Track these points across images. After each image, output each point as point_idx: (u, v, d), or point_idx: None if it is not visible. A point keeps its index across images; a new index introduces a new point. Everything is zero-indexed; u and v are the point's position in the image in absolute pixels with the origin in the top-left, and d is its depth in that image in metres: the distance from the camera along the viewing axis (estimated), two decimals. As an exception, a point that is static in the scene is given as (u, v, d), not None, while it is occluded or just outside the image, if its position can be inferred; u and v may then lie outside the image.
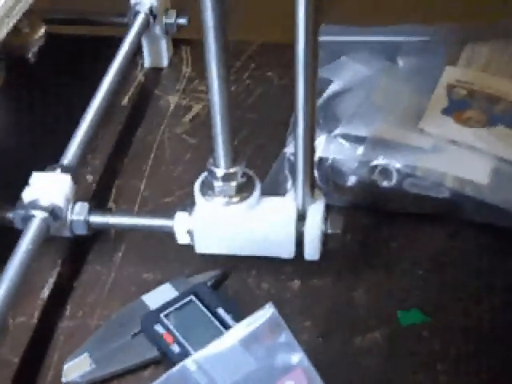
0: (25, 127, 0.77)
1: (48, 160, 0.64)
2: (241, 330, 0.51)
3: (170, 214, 0.60)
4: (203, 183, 0.59)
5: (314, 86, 0.53)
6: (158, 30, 0.84)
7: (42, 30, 0.75)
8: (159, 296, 0.59)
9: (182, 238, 0.59)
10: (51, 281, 0.63)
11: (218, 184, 0.58)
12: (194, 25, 0.86)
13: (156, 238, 0.65)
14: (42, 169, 0.62)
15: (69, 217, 0.59)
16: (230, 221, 0.58)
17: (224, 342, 0.51)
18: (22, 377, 0.56)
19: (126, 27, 0.82)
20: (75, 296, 0.62)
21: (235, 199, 0.58)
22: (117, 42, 0.78)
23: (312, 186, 0.57)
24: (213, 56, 0.52)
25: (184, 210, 0.59)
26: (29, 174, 0.61)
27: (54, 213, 0.58)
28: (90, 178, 0.72)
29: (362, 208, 0.65)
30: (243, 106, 0.80)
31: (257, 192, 0.58)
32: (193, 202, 0.59)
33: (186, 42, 0.90)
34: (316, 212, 0.57)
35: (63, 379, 0.54)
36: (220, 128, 0.55)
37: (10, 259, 0.54)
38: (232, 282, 0.62)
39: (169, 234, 0.61)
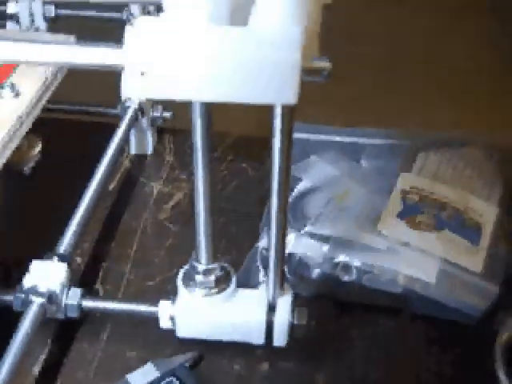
0: (20, 211, 0.84)
1: (44, 244, 0.71)
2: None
3: (154, 302, 0.67)
4: (185, 275, 0.67)
5: (287, 187, 0.60)
6: (144, 122, 0.92)
7: (39, 147, 0.83)
8: (142, 375, 0.65)
9: (165, 323, 0.67)
10: (42, 357, 0.69)
11: (198, 277, 0.65)
12: (177, 115, 0.95)
13: (139, 319, 0.72)
14: (38, 253, 0.69)
15: (63, 301, 0.66)
16: (209, 310, 0.66)
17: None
18: None
19: (115, 116, 0.90)
20: (65, 372, 0.68)
21: (213, 291, 0.65)
22: (104, 128, 0.86)
23: (282, 279, 0.65)
24: (199, 156, 0.59)
25: (167, 298, 0.67)
26: (25, 257, 0.68)
27: (50, 298, 0.65)
28: (79, 259, 0.79)
29: (326, 298, 0.73)
30: (220, 196, 0.88)
31: (233, 284, 0.66)
32: (175, 291, 0.67)
33: (170, 132, 0.99)
34: (285, 304, 0.65)
35: None
36: (203, 229, 0.63)
37: (11, 342, 0.61)
38: (207, 363, 0.69)
39: (151, 318, 0.68)
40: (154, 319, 0.68)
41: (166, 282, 0.76)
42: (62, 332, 0.72)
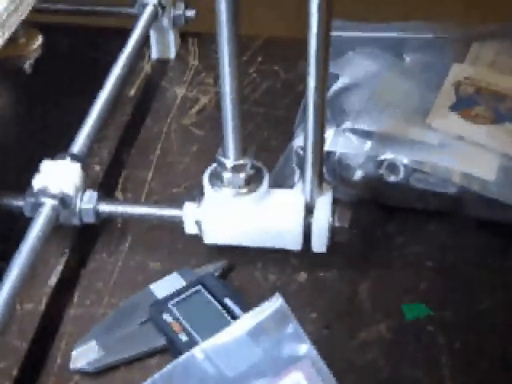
0: (34, 116, 0.77)
1: (56, 148, 0.65)
2: (248, 320, 0.51)
3: (178, 204, 0.60)
4: (212, 174, 0.59)
5: (326, 80, 0.53)
6: (165, 21, 0.84)
7: (39, 41, 0.75)
8: (167, 285, 0.59)
9: (190, 229, 0.60)
10: (59, 268, 0.63)
11: (227, 175, 0.58)
12: (200, 18, 0.86)
13: (161, 228, 0.65)
14: (51, 157, 0.62)
15: (78, 205, 0.60)
16: (239, 212, 0.59)
17: (231, 332, 0.51)
18: (29, 363, 0.56)
19: (134, 18, 0.82)
20: (83, 284, 0.62)
21: (244, 190, 0.58)
22: (124, 33, 0.78)
23: (320, 178, 0.58)
24: (225, 46, 0.52)
25: (193, 200, 0.60)
26: (37, 163, 0.61)
27: (63, 201, 0.58)
28: (97, 167, 0.73)
29: (368, 202, 0.66)
30: (249, 99, 0.80)
31: (265, 184, 0.59)
32: (201, 193, 0.60)
33: (193, 35, 0.90)
34: (324, 205, 0.58)
35: (71, 366, 0.55)
36: (230, 119, 0.55)
37: (20, 246, 0.55)
38: (238, 274, 0.62)
39: (175, 225, 0.61)
40: (178, 226, 0.61)
41: (191, 190, 0.69)
42: (79, 242, 0.66)
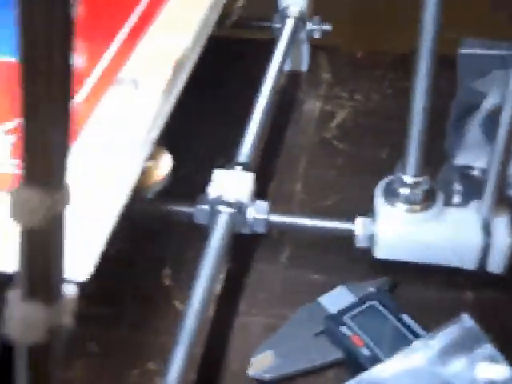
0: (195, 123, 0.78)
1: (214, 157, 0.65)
2: (437, 339, 0.51)
3: (350, 218, 0.60)
4: (386, 189, 0.59)
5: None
6: (303, 35, 0.85)
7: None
8: (336, 299, 0.59)
9: (362, 242, 0.60)
10: (222, 277, 0.63)
11: (404, 191, 0.58)
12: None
13: (321, 240, 0.65)
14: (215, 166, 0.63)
15: (251, 214, 0.60)
16: (413, 228, 0.59)
17: (420, 351, 0.51)
18: (205, 368, 0.57)
19: (270, 31, 0.83)
20: (246, 293, 0.62)
21: (419, 207, 0.58)
22: (258, 45, 0.79)
23: (500, 198, 0.57)
24: (425, 62, 0.52)
25: (364, 215, 0.60)
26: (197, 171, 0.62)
27: (240, 209, 0.59)
28: (245, 177, 0.73)
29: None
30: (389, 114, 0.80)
31: (440, 201, 0.59)
32: (356, 212, 0.60)
33: (323, 48, 0.91)
34: (503, 225, 0.57)
35: (249, 372, 0.55)
36: (417, 136, 0.55)
37: (204, 257, 0.55)
38: (402, 291, 0.62)
39: (337, 238, 0.61)
40: (338, 239, 0.61)
41: (344, 202, 0.69)
42: (238, 251, 0.66)
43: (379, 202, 0.59)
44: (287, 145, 0.78)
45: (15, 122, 0.47)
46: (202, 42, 0.61)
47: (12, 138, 0.47)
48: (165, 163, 0.55)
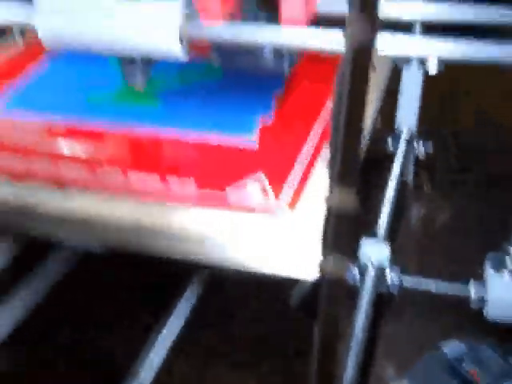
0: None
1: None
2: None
3: (465, 282, 0.77)
4: (495, 258, 0.77)
5: None
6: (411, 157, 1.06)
7: None
8: (455, 348, 0.75)
9: (475, 304, 0.77)
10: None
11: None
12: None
13: (437, 299, 0.82)
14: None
15: (389, 277, 0.78)
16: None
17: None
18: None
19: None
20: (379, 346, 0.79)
21: (521, 275, 0.75)
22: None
23: None
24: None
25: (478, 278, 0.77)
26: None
27: (381, 273, 0.77)
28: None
29: None
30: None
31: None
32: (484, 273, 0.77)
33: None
34: None
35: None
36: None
37: (357, 312, 0.73)
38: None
39: (454, 299, 0.78)
40: (455, 299, 0.78)
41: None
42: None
43: (489, 269, 0.76)
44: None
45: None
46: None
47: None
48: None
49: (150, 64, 0.74)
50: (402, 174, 1.04)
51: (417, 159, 1.07)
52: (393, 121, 1.03)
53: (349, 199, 0.42)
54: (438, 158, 1.11)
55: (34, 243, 0.79)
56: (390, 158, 1.00)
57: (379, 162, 0.99)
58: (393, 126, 1.03)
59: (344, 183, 0.42)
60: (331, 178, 0.44)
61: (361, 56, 0.39)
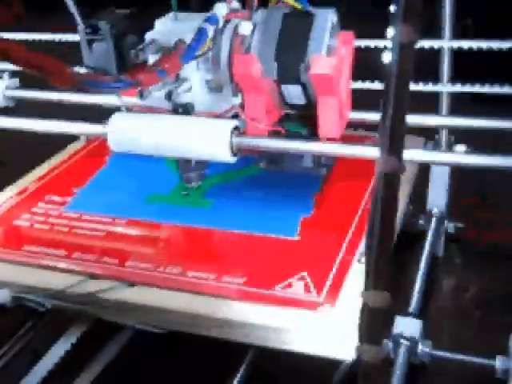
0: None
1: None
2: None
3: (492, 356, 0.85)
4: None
5: None
6: (441, 229, 1.14)
7: None
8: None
9: (501, 374, 0.84)
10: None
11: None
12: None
13: (462, 371, 0.89)
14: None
15: (421, 349, 0.86)
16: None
17: None
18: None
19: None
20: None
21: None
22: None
23: None
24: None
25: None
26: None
27: (414, 344, 0.85)
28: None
29: None
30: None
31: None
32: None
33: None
34: None
35: None
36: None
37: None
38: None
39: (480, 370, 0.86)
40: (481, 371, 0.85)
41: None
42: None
43: (513, 344, 0.84)
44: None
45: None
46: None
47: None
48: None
49: (205, 164, 0.85)
50: (433, 248, 1.13)
51: (446, 232, 1.16)
52: (424, 199, 1.12)
53: (382, 297, 0.51)
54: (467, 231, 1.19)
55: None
56: (422, 234, 1.08)
57: (411, 237, 1.08)
58: (424, 203, 1.12)
59: (377, 284, 0.51)
60: (366, 276, 0.53)
61: (389, 183, 0.49)
